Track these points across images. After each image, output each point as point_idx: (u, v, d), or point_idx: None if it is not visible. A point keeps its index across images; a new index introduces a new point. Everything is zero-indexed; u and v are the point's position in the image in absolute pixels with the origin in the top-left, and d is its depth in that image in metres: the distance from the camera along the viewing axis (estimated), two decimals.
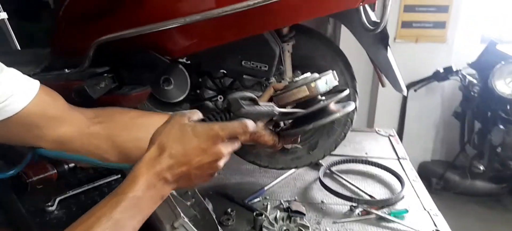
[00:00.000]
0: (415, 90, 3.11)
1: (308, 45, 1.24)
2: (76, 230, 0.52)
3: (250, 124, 0.63)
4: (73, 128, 0.72)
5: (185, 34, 1.04)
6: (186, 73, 1.20)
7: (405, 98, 3.20)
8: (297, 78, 0.77)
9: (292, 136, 0.83)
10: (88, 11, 1.09)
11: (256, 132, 0.70)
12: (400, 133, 3.28)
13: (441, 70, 2.98)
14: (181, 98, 1.21)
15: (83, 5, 1.10)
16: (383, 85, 1.30)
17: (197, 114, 0.63)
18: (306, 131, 0.86)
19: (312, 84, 0.74)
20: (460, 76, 2.97)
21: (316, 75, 0.77)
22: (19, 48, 1.70)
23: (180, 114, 0.61)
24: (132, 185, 0.56)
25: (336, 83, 0.80)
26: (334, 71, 0.81)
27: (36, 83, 0.68)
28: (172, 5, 1.00)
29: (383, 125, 2.13)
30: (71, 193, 1.20)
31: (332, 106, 0.80)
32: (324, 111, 0.77)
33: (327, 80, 0.77)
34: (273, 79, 1.20)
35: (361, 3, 1.04)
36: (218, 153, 0.60)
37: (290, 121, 0.84)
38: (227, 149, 0.61)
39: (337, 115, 0.77)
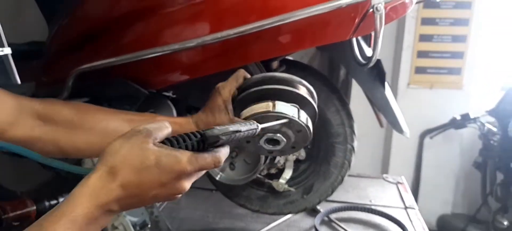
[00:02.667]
0: (431, 138, 2.98)
1: None
2: None
3: (223, 156, 0.55)
4: (22, 131, 0.69)
5: (164, 65, 1.00)
6: (173, 108, 1.15)
7: (421, 146, 3.06)
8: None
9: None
10: (71, 41, 1.07)
11: None
12: (416, 183, 3.11)
13: (458, 117, 2.85)
14: None
15: (66, 35, 1.09)
16: (381, 126, 1.22)
17: (166, 130, 0.53)
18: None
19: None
20: (478, 124, 2.83)
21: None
22: (19, 83, 1.72)
23: (145, 134, 0.50)
24: (65, 218, 0.46)
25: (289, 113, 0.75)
26: (302, 111, 0.77)
27: None
28: (150, 35, 0.97)
29: (398, 173, 2.00)
30: None
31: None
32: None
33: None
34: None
35: (352, 35, 0.99)
36: (180, 188, 0.51)
37: None
38: (191, 182, 0.53)
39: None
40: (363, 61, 1.01)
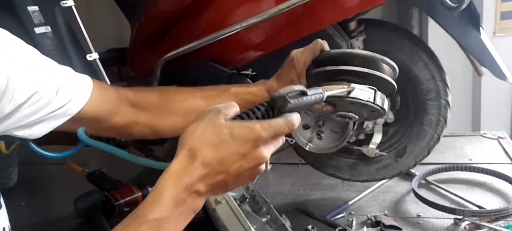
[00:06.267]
0: None
1: (381, 39, 1.12)
2: None
3: (296, 120, 0.54)
4: (122, 118, 0.75)
5: (243, 41, 1.02)
6: None
7: None
8: None
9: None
10: (154, 33, 1.13)
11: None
12: None
13: None
14: None
15: (149, 28, 1.15)
16: (479, 74, 1.12)
17: (234, 108, 0.54)
18: None
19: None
20: None
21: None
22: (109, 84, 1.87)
23: (215, 112, 0.52)
24: (155, 204, 0.47)
25: (365, 98, 0.67)
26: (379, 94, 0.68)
27: (89, 81, 0.71)
28: (226, 14, 0.99)
29: (492, 129, 1.82)
30: None
31: None
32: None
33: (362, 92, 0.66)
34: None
35: None
36: (260, 157, 0.51)
37: None
38: (270, 151, 0.52)
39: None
40: (453, 5, 0.93)
